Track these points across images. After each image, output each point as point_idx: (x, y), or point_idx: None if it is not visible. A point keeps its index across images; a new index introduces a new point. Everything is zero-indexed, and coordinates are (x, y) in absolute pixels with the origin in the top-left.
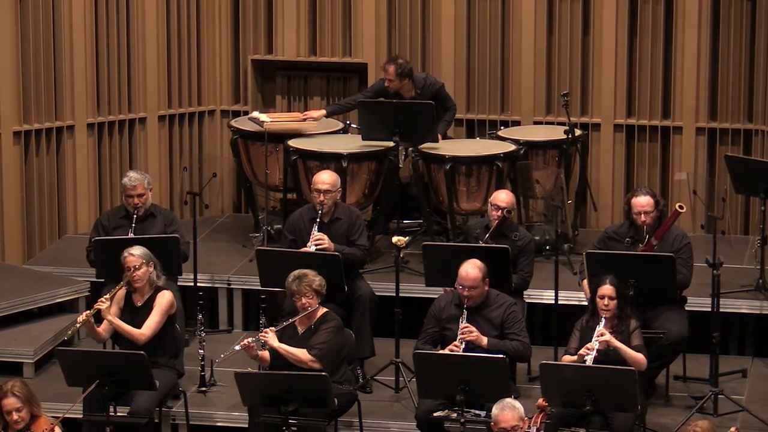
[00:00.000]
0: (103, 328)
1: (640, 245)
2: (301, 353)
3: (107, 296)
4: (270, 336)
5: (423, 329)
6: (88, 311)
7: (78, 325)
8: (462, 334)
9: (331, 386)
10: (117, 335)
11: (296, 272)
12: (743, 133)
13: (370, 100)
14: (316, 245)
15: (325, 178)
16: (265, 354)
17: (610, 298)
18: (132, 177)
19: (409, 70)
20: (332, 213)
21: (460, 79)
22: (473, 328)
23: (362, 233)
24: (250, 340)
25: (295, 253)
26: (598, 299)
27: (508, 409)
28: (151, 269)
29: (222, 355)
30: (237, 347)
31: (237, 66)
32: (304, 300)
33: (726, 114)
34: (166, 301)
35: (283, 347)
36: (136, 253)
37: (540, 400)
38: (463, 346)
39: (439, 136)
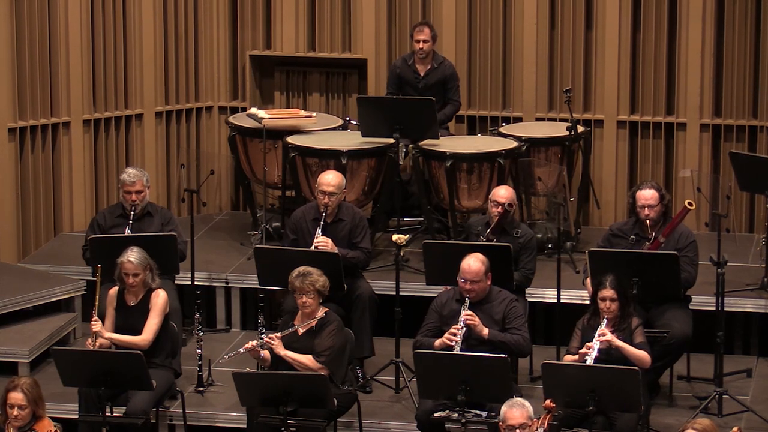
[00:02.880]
0: (108, 337)
1: (647, 243)
2: (309, 361)
3: (94, 318)
4: (277, 343)
5: (424, 323)
6: (90, 339)
7: (90, 347)
8: (463, 320)
9: (330, 386)
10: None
11: (301, 268)
12: (748, 129)
13: (369, 96)
14: (319, 248)
15: (331, 180)
16: (267, 354)
17: (611, 300)
18: (131, 173)
19: (435, 39)
20: (335, 214)
21: (462, 75)
22: (475, 315)
23: (365, 235)
24: (254, 343)
25: (293, 251)
26: (599, 301)
27: (517, 407)
28: (147, 272)
29: (226, 356)
30: (241, 350)
31: (235, 61)
32: (304, 298)
33: (730, 110)
34: (162, 301)
35: (290, 355)
36: (134, 261)
37: (547, 401)
38: (464, 330)
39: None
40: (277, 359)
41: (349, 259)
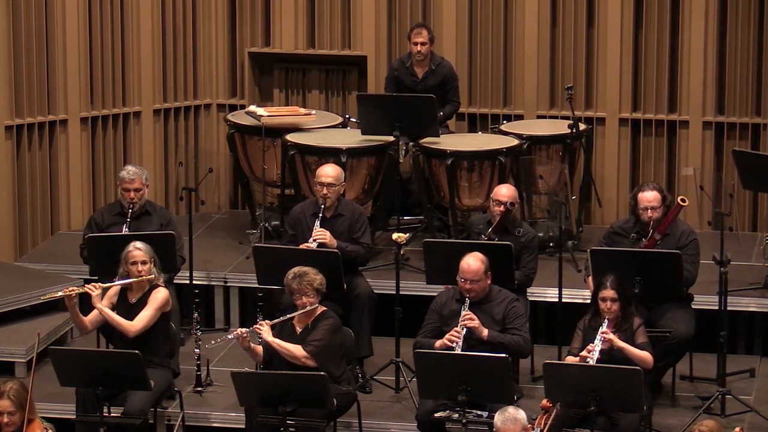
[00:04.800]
0: (89, 320)
1: (644, 240)
2: (296, 349)
3: (100, 284)
4: (265, 329)
5: (424, 324)
6: (75, 287)
7: (60, 294)
8: (463, 321)
9: (329, 386)
10: (109, 334)
11: (296, 270)
12: (751, 127)
13: (369, 94)
14: (317, 240)
15: (329, 171)
16: (258, 348)
17: (612, 300)
18: (130, 170)
19: (433, 41)
20: (335, 209)
21: (462, 72)
22: (474, 316)
23: (365, 231)
24: (243, 330)
25: (293, 249)
26: (599, 301)
27: (509, 423)
28: (152, 265)
29: (213, 342)
30: (230, 336)
31: (234, 59)
32: (304, 299)
33: (733, 108)
34: (161, 297)
35: (277, 342)
36: (142, 248)
37: (544, 401)
38: (465, 332)
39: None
40: (269, 355)
41: (349, 252)
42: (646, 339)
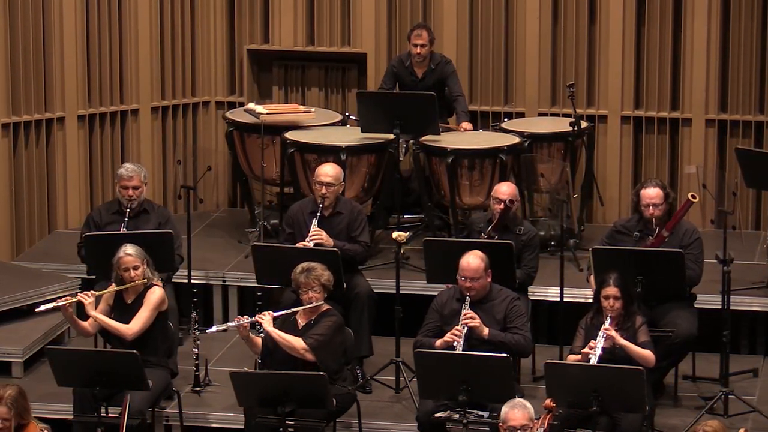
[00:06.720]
0: (89, 323)
1: (650, 238)
2: (295, 340)
3: (93, 292)
4: (266, 319)
5: (424, 323)
6: (68, 297)
7: (53, 306)
8: (464, 320)
9: (329, 386)
10: (108, 334)
11: (304, 264)
12: (754, 125)
13: (369, 92)
14: (313, 241)
15: (328, 171)
16: (257, 340)
17: (615, 298)
18: (128, 168)
19: (433, 42)
20: (333, 207)
21: (463, 70)
22: (475, 315)
23: (364, 229)
24: (245, 320)
25: (292, 248)
26: (602, 299)
27: (518, 408)
28: (145, 267)
29: (214, 327)
30: (231, 323)
31: (232, 56)
32: (310, 294)
33: (736, 105)
34: (157, 296)
35: (277, 332)
36: (132, 253)
37: (547, 401)
38: (465, 330)
39: (470, 125)
40: (268, 348)
41: (347, 251)
42: (649, 338)
